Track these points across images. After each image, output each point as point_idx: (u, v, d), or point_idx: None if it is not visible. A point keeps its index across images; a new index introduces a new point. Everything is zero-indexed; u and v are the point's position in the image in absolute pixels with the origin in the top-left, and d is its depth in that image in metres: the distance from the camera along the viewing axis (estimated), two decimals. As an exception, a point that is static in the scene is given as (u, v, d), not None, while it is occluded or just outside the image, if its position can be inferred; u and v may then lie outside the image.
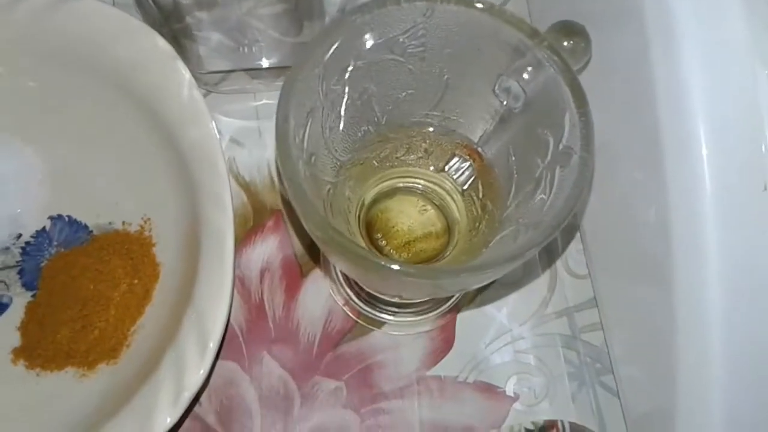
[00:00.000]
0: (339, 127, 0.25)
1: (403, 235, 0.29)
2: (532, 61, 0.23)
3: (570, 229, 0.33)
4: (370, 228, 0.28)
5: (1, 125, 0.29)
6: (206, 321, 0.25)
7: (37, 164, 0.30)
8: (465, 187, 0.28)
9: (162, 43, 0.27)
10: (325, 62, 0.23)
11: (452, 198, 0.29)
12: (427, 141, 0.28)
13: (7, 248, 0.30)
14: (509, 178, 0.26)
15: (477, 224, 0.27)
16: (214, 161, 0.26)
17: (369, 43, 0.23)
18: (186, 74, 0.26)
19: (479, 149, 0.27)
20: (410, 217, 0.29)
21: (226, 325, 0.25)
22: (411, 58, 0.25)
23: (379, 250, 0.28)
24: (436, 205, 0.29)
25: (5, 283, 0.29)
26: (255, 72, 0.34)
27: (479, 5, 0.23)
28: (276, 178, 0.33)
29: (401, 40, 0.24)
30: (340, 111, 0.25)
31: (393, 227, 0.28)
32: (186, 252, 0.28)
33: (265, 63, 0.34)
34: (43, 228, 0.30)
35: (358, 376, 0.30)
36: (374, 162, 0.28)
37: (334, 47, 0.22)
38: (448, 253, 0.28)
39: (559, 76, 0.23)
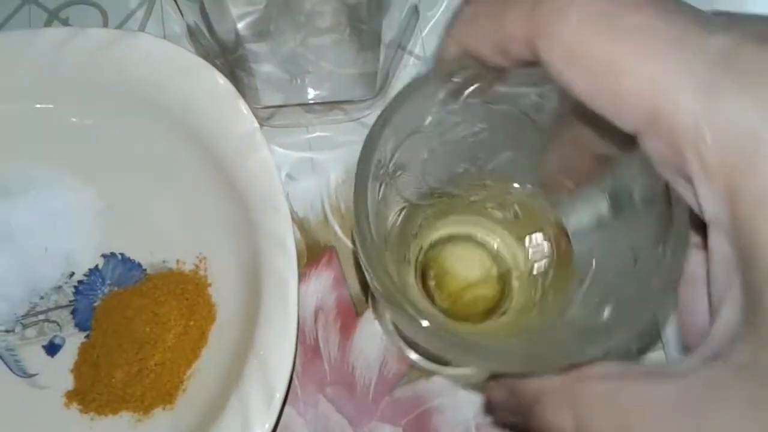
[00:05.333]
0: (440, 154, 0.23)
1: (457, 283, 0.27)
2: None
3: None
4: (425, 269, 0.27)
5: (56, 162, 0.29)
6: (271, 370, 0.24)
7: (91, 201, 0.29)
8: (534, 272, 0.26)
9: (223, 81, 0.26)
10: (454, 86, 0.20)
11: (517, 273, 0.27)
12: (520, 205, 0.26)
13: (60, 287, 0.29)
14: (581, 281, 0.23)
15: (531, 308, 0.25)
16: (276, 204, 0.25)
17: (501, 89, 0.21)
18: (247, 113, 0.26)
19: (569, 236, 0.25)
20: (467, 267, 0.27)
21: (291, 374, 0.24)
22: (538, 117, 0.22)
23: (430, 295, 0.27)
24: (498, 270, 0.27)
25: (58, 324, 0.29)
26: (308, 106, 0.33)
27: None
28: (330, 215, 0.32)
29: (533, 97, 0.22)
30: (447, 139, 0.23)
31: (447, 273, 0.27)
32: (244, 295, 0.27)
33: (317, 95, 0.33)
34: (96, 266, 0.29)
35: (415, 421, 0.29)
36: (461, 203, 0.26)
37: (467, 74, 0.20)
38: (504, 306, 0.27)
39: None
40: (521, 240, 0.26)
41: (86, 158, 0.29)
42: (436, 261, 0.27)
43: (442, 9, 0.37)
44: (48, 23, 0.33)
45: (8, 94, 0.27)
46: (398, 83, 0.35)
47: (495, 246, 0.27)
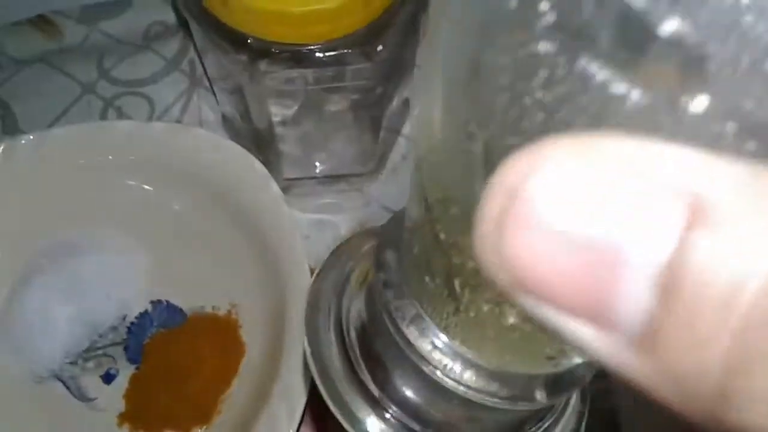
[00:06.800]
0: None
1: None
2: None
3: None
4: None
5: (115, 226, 0.36)
6: (294, 393, 0.30)
7: (143, 258, 0.36)
8: None
9: (258, 166, 0.33)
10: None
11: None
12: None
13: (115, 327, 0.36)
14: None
15: None
16: (297, 262, 0.32)
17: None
18: (276, 191, 0.33)
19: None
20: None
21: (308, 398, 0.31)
22: None
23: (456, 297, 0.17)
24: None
25: (113, 358, 0.35)
26: (318, 179, 0.40)
27: None
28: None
29: None
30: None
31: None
32: (270, 334, 0.33)
33: (326, 169, 0.41)
34: (146, 311, 0.36)
35: None
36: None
37: None
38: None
39: None
40: None
41: (141, 220, 0.36)
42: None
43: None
44: (104, 110, 0.40)
45: (90, 172, 0.34)
46: (393, 158, 0.42)
47: None
